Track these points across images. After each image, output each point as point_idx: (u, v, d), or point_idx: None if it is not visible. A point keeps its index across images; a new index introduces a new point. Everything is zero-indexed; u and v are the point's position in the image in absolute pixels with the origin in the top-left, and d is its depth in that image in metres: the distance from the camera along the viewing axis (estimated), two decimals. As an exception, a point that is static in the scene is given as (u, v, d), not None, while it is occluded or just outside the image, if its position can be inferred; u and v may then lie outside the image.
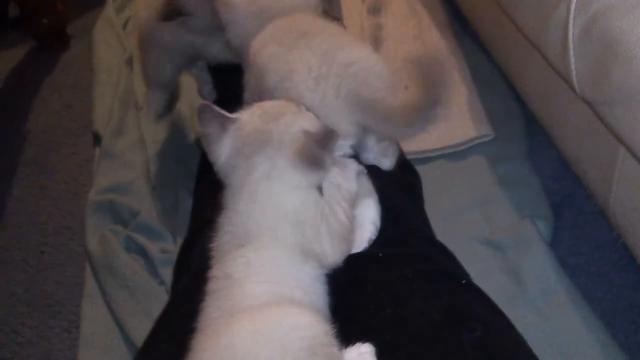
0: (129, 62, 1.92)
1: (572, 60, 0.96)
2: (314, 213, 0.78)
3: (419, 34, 1.68)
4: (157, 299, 1.23)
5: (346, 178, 0.85)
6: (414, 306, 0.77)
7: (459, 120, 1.46)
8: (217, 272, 0.76)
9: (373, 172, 0.94)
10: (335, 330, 0.68)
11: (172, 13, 1.25)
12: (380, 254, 0.84)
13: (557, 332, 1.07)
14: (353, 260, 0.83)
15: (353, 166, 0.88)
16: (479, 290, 0.84)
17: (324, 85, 0.87)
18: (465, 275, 0.87)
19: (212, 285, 0.75)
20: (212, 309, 0.72)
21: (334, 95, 0.87)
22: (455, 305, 0.78)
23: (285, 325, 0.66)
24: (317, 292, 0.76)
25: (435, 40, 1.67)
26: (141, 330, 1.16)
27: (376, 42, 1.65)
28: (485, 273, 1.10)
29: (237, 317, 0.68)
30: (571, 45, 0.96)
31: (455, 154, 1.42)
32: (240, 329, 0.66)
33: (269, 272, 0.73)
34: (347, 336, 0.69)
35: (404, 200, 0.97)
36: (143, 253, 1.34)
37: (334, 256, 0.79)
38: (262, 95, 0.94)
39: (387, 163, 0.98)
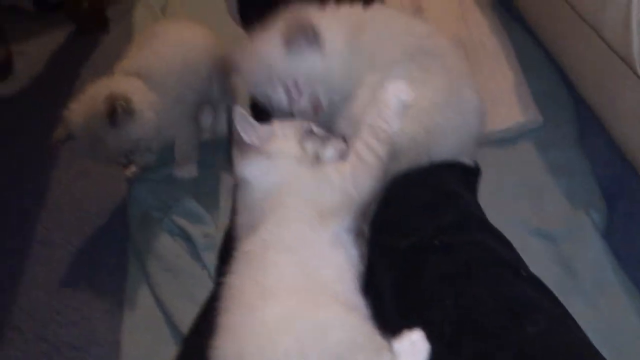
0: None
1: (635, 39, 0.92)
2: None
3: (462, 15, 1.63)
4: (200, 283, 1.23)
5: (385, 117, 0.90)
6: (474, 298, 0.76)
7: (506, 106, 1.41)
8: (240, 250, 0.80)
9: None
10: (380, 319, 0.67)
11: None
12: (437, 242, 0.82)
13: (612, 326, 1.03)
14: (410, 250, 0.82)
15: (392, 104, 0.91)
16: (540, 282, 0.82)
17: None
18: (525, 266, 0.85)
19: (235, 263, 0.78)
20: (238, 286, 0.74)
21: None
22: (516, 296, 0.76)
23: (322, 322, 0.67)
24: (339, 261, 0.78)
25: (478, 22, 1.62)
26: (184, 314, 1.16)
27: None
28: (536, 264, 1.07)
29: (267, 298, 0.70)
30: (634, 24, 0.92)
31: (503, 141, 1.37)
32: (271, 314, 0.68)
33: (287, 242, 0.77)
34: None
35: (459, 186, 0.95)
36: (185, 237, 1.34)
37: (356, 190, 0.83)
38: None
39: None
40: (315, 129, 0.92)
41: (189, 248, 1.32)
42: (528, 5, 1.54)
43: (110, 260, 1.43)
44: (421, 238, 0.84)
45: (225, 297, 0.75)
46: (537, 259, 1.11)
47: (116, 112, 1.23)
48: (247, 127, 0.87)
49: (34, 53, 2.23)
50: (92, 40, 2.21)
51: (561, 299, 0.80)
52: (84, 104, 1.30)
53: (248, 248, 0.79)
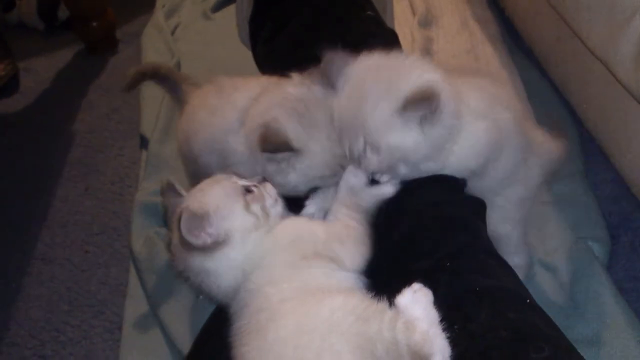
0: (177, 67, 1.93)
1: (645, 74, 0.94)
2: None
3: (471, 48, 1.65)
4: (201, 305, 1.22)
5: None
6: (482, 323, 0.76)
7: (512, 137, 1.42)
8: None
9: (441, 184, 0.94)
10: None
11: None
12: (448, 265, 0.83)
13: (614, 357, 1.03)
14: (422, 272, 0.83)
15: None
16: (542, 311, 0.82)
17: None
18: (528, 295, 0.85)
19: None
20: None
21: None
22: (522, 323, 0.76)
23: (324, 312, 0.71)
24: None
25: (487, 55, 1.64)
26: (184, 335, 1.16)
27: (427, 55, 1.62)
28: (539, 294, 1.06)
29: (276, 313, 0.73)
30: (644, 59, 0.93)
31: (509, 172, 1.37)
32: (284, 323, 0.72)
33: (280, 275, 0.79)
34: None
35: (471, 214, 0.95)
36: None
37: (352, 260, 0.84)
38: None
39: None
40: (240, 181, 0.87)
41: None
42: (536, 40, 1.56)
43: (111, 279, 1.42)
44: (434, 261, 0.85)
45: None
46: (540, 289, 1.14)
47: None
48: (195, 227, 0.79)
49: (41, 71, 2.25)
50: (101, 60, 2.24)
51: (563, 328, 0.81)
52: None
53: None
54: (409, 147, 0.84)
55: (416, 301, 0.71)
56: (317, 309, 0.73)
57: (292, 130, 0.91)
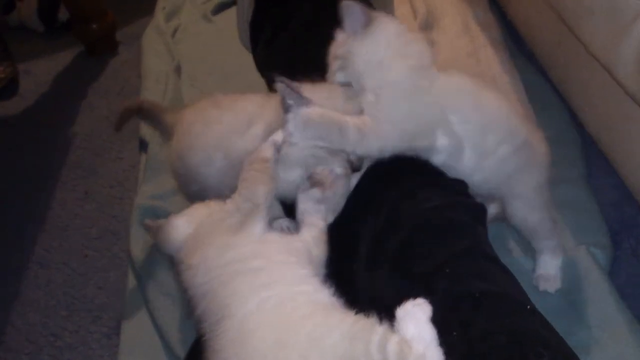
0: (177, 70, 1.93)
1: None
2: None
3: (473, 52, 1.65)
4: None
5: None
6: (480, 328, 0.75)
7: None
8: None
9: (442, 187, 0.94)
10: None
11: None
12: (448, 270, 0.82)
13: (615, 363, 1.03)
14: (423, 276, 0.82)
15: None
16: (542, 317, 0.81)
17: None
18: (528, 300, 0.84)
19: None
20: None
21: None
22: (522, 329, 0.76)
23: (307, 326, 0.68)
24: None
25: (489, 58, 1.63)
26: (182, 340, 1.15)
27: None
28: (539, 300, 1.05)
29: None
30: (648, 65, 0.92)
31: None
32: (263, 335, 0.69)
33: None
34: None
35: (471, 218, 0.95)
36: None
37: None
38: None
39: None
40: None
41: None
42: (538, 44, 1.55)
43: (109, 283, 1.41)
44: (433, 266, 0.84)
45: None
46: (541, 294, 1.13)
47: None
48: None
49: (40, 73, 2.24)
50: (101, 62, 2.23)
51: (564, 334, 0.80)
52: None
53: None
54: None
55: (413, 317, 0.67)
56: (299, 322, 0.70)
57: None
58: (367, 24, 0.94)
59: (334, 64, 0.98)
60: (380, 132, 0.90)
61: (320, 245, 0.87)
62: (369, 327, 0.67)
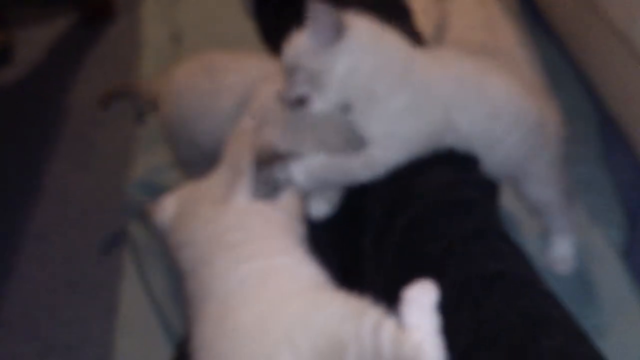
0: (177, 38, 1.89)
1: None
2: None
3: (488, 23, 1.62)
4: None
5: None
6: (491, 308, 0.74)
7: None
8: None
9: (452, 164, 0.92)
10: None
11: None
12: (458, 249, 0.82)
13: (630, 345, 1.02)
14: (434, 255, 0.81)
15: None
16: (555, 298, 0.80)
17: None
18: (540, 280, 0.83)
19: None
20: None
21: None
22: (533, 310, 0.75)
23: (295, 303, 0.66)
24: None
25: (505, 31, 1.60)
26: (179, 316, 1.15)
27: (442, 29, 1.58)
28: (551, 281, 1.04)
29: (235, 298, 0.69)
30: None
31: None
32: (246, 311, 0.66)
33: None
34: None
35: (483, 196, 0.94)
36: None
37: None
38: None
39: None
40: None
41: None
42: (556, 15, 1.52)
43: (107, 259, 1.39)
44: (444, 245, 0.82)
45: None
46: (553, 276, 1.11)
47: None
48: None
49: (37, 40, 2.18)
50: (97, 30, 2.17)
51: (577, 315, 0.79)
52: None
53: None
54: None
55: (418, 302, 0.63)
56: (284, 299, 0.67)
57: None
58: (339, 35, 0.83)
59: (297, 75, 0.86)
60: (387, 159, 0.87)
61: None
62: (361, 309, 0.64)
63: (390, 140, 0.86)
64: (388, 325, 0.61)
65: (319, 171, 0.86)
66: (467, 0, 1.71)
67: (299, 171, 0.85)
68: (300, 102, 0.86)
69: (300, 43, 0.86)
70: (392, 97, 0.85)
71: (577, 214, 1.19)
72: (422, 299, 0.63)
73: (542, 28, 1.65)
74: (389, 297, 0.65)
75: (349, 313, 0.63)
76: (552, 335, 0.70)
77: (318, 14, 0.82)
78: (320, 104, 0.86)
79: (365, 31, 0.85)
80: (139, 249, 1.30)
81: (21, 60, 2.11)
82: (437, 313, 0.63)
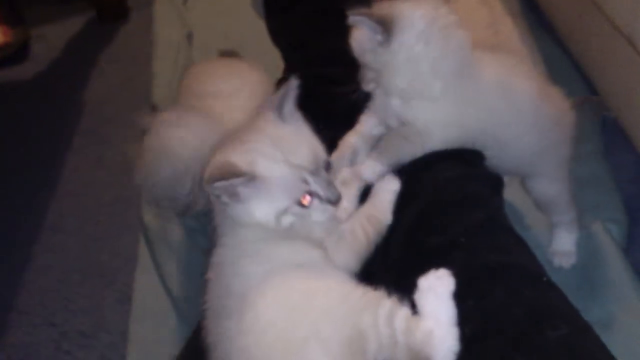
0: (189, 37, 1.91)
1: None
2: None
3: (491, 23, 1.62)
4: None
5: (381, 210, 0.86)
6: (496, 300, 0.75)
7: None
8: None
9: (459, 159, 0.93)
10: None
11: None
12: (464, 241, 0.82)
13: (631, 339, 1.02)
14: (439, 248, 0.82)
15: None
16: (559, 290, 0.81)
17: None
18: (545, 273, 0.84)
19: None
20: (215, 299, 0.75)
21: None
22: (538, 302, 0.76)
23: (318, 296, 0.67)
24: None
25: (507, 30, 1.61)
26: (193, 306, 1.13)
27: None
28: (555, 275, 1.05)
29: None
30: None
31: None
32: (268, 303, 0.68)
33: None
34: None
35: (488, 190, 0.95)
36: (200, 228, 1.32)
37: (338, 260, 0.79)
38: None
39: None
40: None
41: (202, 242, 1.30)
42: (558, 16, 1.52)
43: (121, 249, 1.41)
44: (449, 237, 0.84)
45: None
46: (556, 270, 1.13)
47: None
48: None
49: (52, 38, 2.22)
50: (112, 28, 2.20)
51: (579, 310, 0.79)
52: None
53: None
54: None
55: (434, 291, 0.66)
56: (308, 291, 0.69)
57: None
58: (389, 33, 0.83)
59: (366, 74, 0.90)
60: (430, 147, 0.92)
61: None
62: (376, 299, 0.66)
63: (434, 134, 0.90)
64: (401, 313, 0.64)
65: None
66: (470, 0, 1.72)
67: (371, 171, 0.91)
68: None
69: (360, 42, 0.88)
70: (442, 93, 0.88)
71: (579, 210, 1.22)
72: (437, 288, 0.66)
73: (544, 27, 1.66)
74: (397, 289, 0.68)
75: (367, 304, 0.66)
76: (556, 327, 0.71)
77: (359, 24, 0.84)
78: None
79: (418, 20, 0.85)
80: (153, 239, 1.33)
81: (37, 57, 2.14)
82: (452, 301, 0.65)
